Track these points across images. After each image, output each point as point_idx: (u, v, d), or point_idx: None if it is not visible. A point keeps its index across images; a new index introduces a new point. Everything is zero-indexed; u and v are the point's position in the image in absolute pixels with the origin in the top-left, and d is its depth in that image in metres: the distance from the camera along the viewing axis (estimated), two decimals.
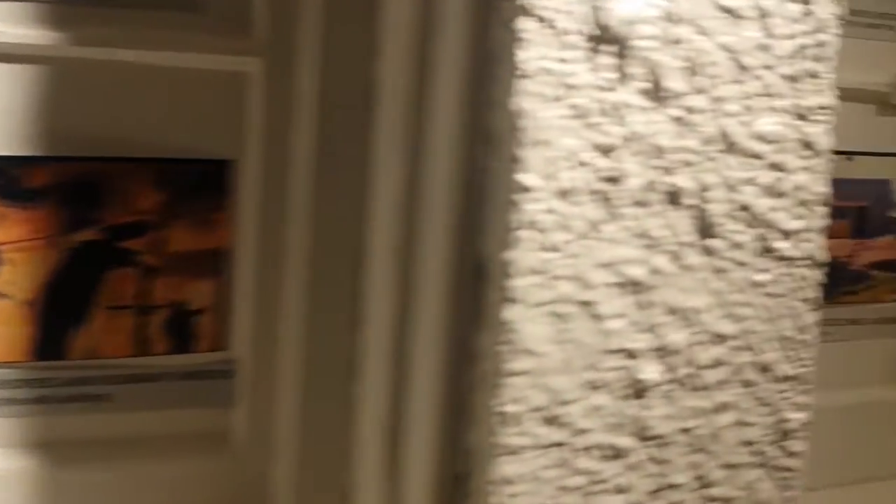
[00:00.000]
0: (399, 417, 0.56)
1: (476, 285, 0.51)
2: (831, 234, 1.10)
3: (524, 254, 0.49)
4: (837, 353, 1.06)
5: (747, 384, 0.56)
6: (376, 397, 0.57)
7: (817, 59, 0.54)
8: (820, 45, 0.54)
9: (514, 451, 0.49)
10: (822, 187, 0.55)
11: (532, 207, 0.49)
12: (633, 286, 0.52)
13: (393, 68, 0.57)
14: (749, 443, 0.56)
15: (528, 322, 0.50)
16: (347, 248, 0.62)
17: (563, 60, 0.49)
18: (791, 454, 0.57)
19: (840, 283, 1.03)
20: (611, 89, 0.50)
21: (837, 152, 1.07)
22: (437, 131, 0.53)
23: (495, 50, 0.50)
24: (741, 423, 0.56)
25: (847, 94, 1.05)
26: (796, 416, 0.57)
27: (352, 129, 0.61)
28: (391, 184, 0.57)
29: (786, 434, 0.57)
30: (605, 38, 0.49)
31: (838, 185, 1.09)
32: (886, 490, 1.08)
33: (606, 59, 0.50)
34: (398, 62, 0.56)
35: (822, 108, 0.55)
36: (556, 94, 0.49)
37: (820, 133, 0.55)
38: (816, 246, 0.56)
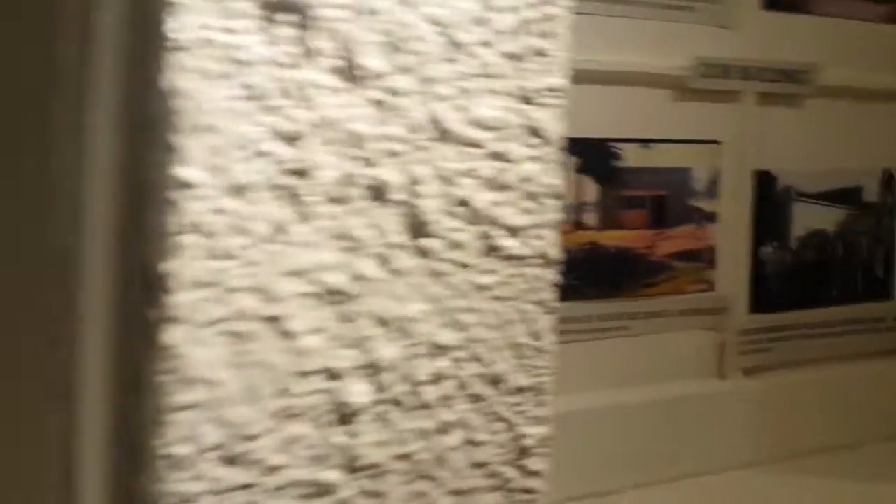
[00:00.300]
0: (74, 461, 0.48)
1: (140, 303, 0.44)
2: (630, 224, 1.10)
3: (188, 263, 0.42)
4: (642, 347, 1.06)
5: (476, 399, 0.51)
6: (53, 437, 0.49)
7: (544, 35, 0.50)
8: (547, 19, 0.50)
9: (186, 500, 0.43)
10: (553, 178, 0.51)
11: (196, 207, 0.42)
12: (332, 296, 0.46)
13: (62, 47, 0.49)
14: (481, 464, 0.52)
15: (197, 345, 0.43)
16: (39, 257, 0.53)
17: (230, 31, 0.42)
18: (531, 473, 0.53)
19: (640, 275, 1.03)
20: (294, 66, 0.43)
21: (634, 140, 1.07)
22: (99, 119, 0.45)
23: (150, 20, 0.42)
24: (470, 443, 0.51)
25: (643, 79, 1.05)
26: (534, 431, 0.53)
27: (35, 120, 0.52)
28: (61, 181, 0.49)
29: (524, 452, 0.53)
30: (283, 6, 0.43)
31: (635, 173, 1.09)
32: (703, 487, 1.08)
33: (286, 31, 0.43)
34: (65, 39, 0.48)
35: (551, 90, 0.50)
36: (224, 71, 0.42)
37: (548, 118, 0.50)
38: (549, 243, 0.51)
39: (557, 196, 0.51)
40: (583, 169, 0.97)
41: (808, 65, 1.07)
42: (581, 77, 1.00)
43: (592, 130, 0.97)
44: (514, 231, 0.51)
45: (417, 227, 0.48)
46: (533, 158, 0.50)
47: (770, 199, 1.11)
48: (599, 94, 0.96)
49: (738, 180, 1.08)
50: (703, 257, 1.07)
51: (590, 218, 0.98)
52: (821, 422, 1.14)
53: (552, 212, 0.52)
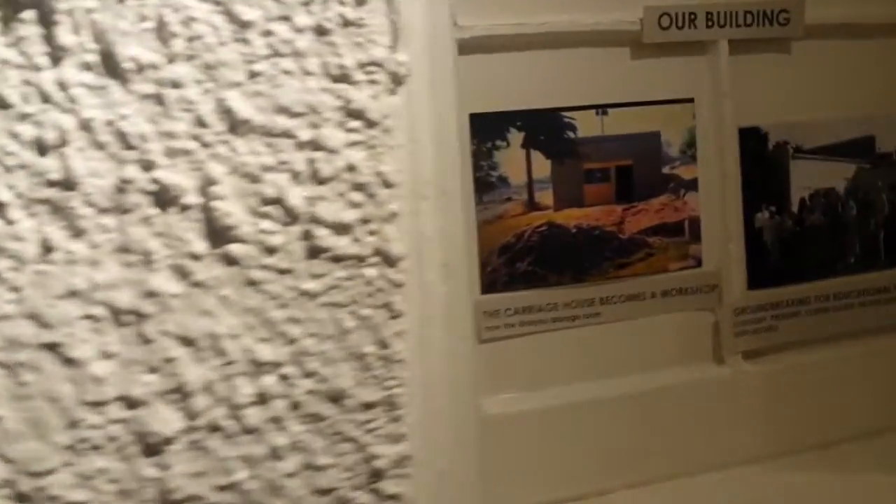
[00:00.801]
0: None
1: None
2: (592, 201, 1.05)
3: None
4: (620, 335, 1.01)
5: (314, 419, 0.48)
6: None
7: (356, 3, 0.46)
8: None
9: None
10: (384, 165, 0.48)
11: None
12: (122, 316, 0.44)
13: None
14: (326, 491, 0.49)
15: None
16: None
17: None
18: (388, 497, 0.51)
19: (610, 255, 0.98)
20: (44, 67, 0.41)
21: (588, 107, 1.02)
22: None
23: None
24: (311, 468, 0.49)
25: (592, 38, 0.99)
26: (389, 451, 0.50)
27: None
28: None
29: (377, 474, 0.50)
30: (18, 2, 0.41)
31: (594, 143, 1.04)
32: (703, 486, 1.04)
33: (30, 29, 0.41)
34: None
35: (371, 65, 0.47)
36: None
37: (370, 97, 0.47)
38: (387, 238, 0.49)
39: (390, 184, 0.48)
40: (531, 144, 0.93)
41: (789, 3, 1.00)
42: (521, 43, 0.96)
43: (539, 101, 0.92)
44: (341, 228, 0.48)
45: (220, 233, 0.46)
46: (357, 144, 0.47)
47: (762, 159, 1.05)
48: (543, 59, 0.92)
49: (720, 141, 1.01)
50: (685, 230, 1.02)
51: (544, 197, 0.94)
52: (835, 408, 1.08)
53: (387, 203, 0.49)
